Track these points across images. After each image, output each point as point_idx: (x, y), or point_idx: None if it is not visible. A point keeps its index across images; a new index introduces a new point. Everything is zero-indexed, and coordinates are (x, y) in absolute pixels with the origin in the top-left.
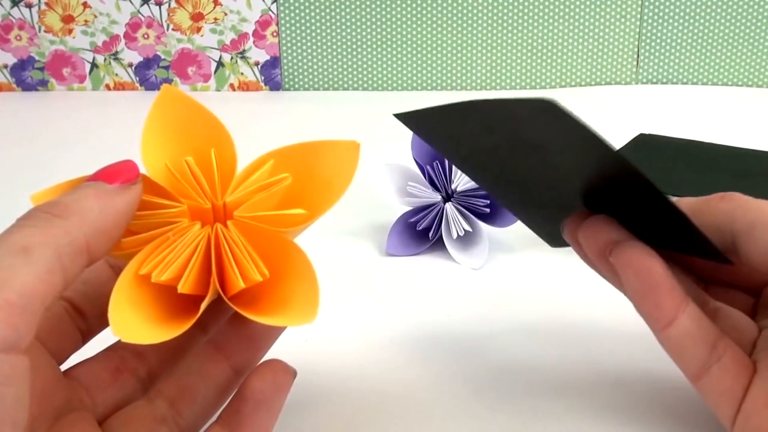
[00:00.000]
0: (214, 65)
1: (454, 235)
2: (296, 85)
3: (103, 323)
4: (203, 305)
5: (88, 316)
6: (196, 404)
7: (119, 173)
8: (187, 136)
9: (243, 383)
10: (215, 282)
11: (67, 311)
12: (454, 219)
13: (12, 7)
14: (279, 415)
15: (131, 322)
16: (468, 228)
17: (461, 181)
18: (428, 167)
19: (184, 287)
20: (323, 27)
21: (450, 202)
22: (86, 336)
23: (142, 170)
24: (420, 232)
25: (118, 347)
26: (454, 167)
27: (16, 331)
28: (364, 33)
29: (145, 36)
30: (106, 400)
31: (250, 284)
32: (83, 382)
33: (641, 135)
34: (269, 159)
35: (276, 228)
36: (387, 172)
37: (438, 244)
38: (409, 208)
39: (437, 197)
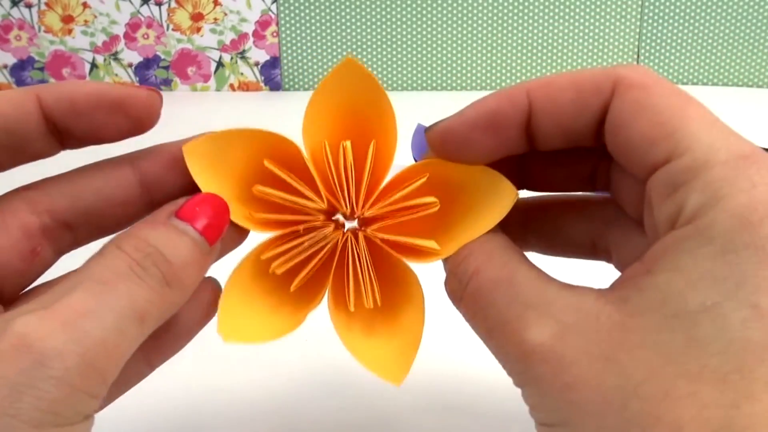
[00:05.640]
0: (214, 65)
1: None
2: (296, 85)
3: (87, 140)
4: (307, 312)
5: (74, 131)
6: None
7: (219, 222)
8: (354, 117)
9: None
10: (326, 293)
11: (38, 123)
12: None
13: (12, 7)
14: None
15: (239, 320)
16: None
17: None
18: None
19: (295, 287)
20: (323, 27)
21: None
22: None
23: (299, 143)
24: None
25: (42, 211)
26: None
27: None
28: (364, 33)
29: (145, 36)
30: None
31: (357, 309)
32: None
33: None
34: (424, 173)
35: (399, 255)
36: None
37: None
38: None
39: None
